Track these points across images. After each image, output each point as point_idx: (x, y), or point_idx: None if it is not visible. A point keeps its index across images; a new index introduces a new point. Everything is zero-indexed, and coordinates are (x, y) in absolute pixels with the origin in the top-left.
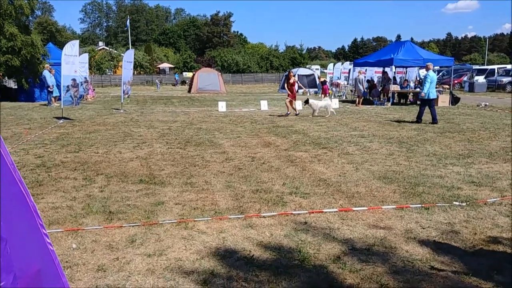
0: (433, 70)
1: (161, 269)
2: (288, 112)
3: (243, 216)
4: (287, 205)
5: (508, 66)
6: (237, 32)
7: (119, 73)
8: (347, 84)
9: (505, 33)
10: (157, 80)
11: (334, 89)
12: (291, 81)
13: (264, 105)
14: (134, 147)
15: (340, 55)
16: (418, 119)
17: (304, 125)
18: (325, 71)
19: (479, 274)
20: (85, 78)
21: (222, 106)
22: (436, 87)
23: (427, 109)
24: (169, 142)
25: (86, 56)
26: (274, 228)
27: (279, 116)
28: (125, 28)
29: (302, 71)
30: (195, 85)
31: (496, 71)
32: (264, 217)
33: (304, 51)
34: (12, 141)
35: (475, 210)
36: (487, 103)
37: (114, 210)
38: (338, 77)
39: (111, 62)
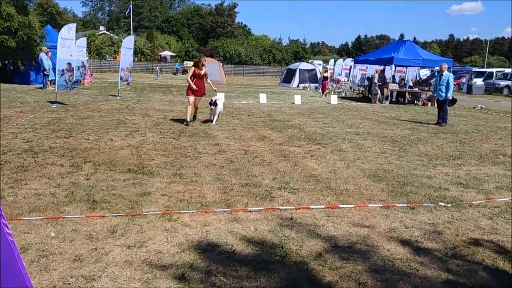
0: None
1: (140, 261)
2: (188, 121)
3: (229, 209)
4: (275, 200)
5: (507, 70)
6: (241, 23)
7: (119, 59)
8: (347, 80)
9: (506, 37)
10: (157, 68)
11: (334, 85)
12: (203, 72)
13: (263, 98)
14: (127, 135)
15: (343, 51)
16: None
17: (301, 120)
18: (326, 66)
19: (457, 276)
20: (82, 62)
21: (220, 97)
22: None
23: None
24: (162, 131)
25: (84, 41)
26: (259, 222)
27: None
28: (126, 14)
29: (304, 65)
30: None
31: (494, 74)
32: (250, 211)
33: (307, 46)
34: (1, 124)
35: (459, 211)
36: (483, 106)
37: (98, 199)
38: (339, 73)
39: (112, 48)
